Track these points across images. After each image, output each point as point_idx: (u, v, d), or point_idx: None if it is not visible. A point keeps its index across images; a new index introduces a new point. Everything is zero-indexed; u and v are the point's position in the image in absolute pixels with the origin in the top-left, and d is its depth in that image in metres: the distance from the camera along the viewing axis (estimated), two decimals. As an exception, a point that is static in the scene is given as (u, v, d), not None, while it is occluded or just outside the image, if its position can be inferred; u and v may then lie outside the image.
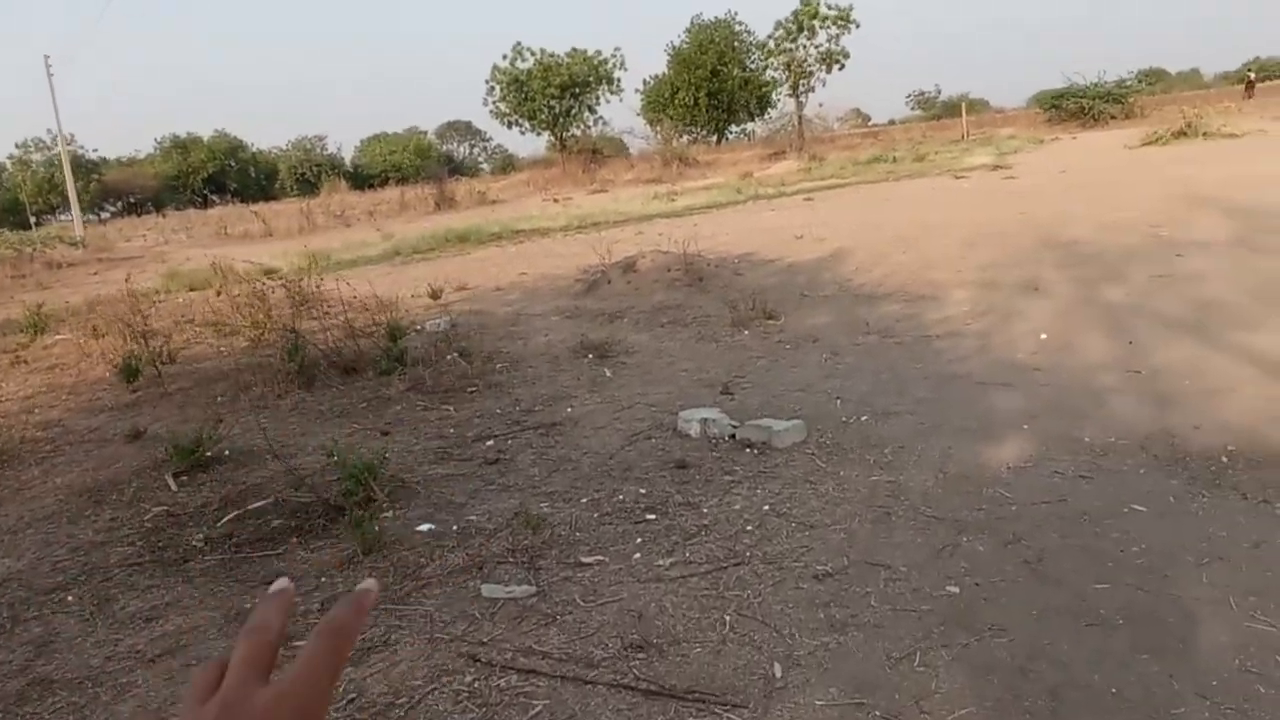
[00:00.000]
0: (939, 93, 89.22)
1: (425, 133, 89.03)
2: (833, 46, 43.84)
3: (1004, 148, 29.45)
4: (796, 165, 32.24)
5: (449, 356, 7.28)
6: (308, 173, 75.71)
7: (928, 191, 18.01)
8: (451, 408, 5.90)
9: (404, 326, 8.52)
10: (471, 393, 6.25)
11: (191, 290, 15.04)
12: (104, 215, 68.98)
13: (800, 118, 45.72)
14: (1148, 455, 3.87)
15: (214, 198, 73.01)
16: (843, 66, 44.10)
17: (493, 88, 47.24)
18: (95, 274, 21.30)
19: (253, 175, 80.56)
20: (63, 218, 64.14)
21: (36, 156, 67.04)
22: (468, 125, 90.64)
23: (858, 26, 43.64)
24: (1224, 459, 3.72)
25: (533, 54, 46.36)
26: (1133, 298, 6.93)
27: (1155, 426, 4.18)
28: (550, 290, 10.61)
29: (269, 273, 16.80)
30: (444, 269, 13.82)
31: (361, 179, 73.22)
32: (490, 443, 5.07)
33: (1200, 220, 10.11)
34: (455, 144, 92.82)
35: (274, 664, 0.50)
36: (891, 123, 76.06)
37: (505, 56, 46.90)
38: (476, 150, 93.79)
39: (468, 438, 5.22)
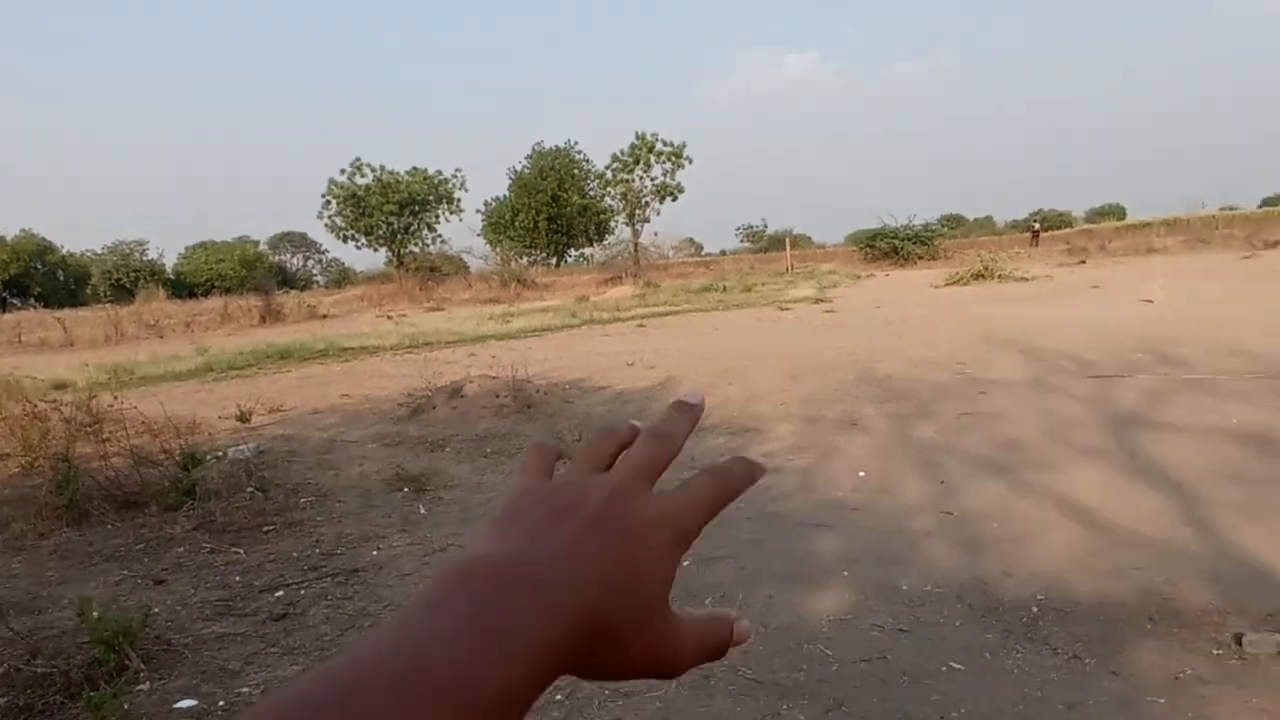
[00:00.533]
0: (766, 226, 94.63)
1: (257, 242, 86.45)
2: (667, 180, 45.85)
3: (825, 282, 31.18)
4: (632, 291, 32.98)
5: (248, 489, 6.69)
6: (124, 279, 71.65)
7: (755, 322, 18.66)
8: (242, 550, 5.34)
9: (201, 453, 7.83)
10: (268, 532, 5.71)
11: (-35, 405, 13.49)
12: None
13: (636, 245, 47.25)
14: (963, 605, 3.85)
15: (14, 301, 67.73)
16: (675, 198, 46.13)
17: (329, 201, 46.56)
18: None
19: (61, 279, 75.40)
20: None
21: None
22: (302, 237, 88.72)
23: (690, 163, 45.94)
24: (1035, 609, 3.74)
25: (372, 170, 46.18)
26: (943, 435, 7.18)
27: (968, 574, 4.20)
28: (372, 414, 10.11)
29: (59, 387, 15.44)
30: (260, 388, 13.04)
31: (184, 288, 69.86)
32: (280, 593, 4.57)
33: (1000, 360, 10.79)
34: (289, 255, 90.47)
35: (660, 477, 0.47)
36: (723, 253, 79.80)
37: (343, 171, 46.50)
38: (311, 263, 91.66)
39: (255, 587, 4.69)
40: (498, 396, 9.66)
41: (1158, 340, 11.44)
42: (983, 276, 26.05)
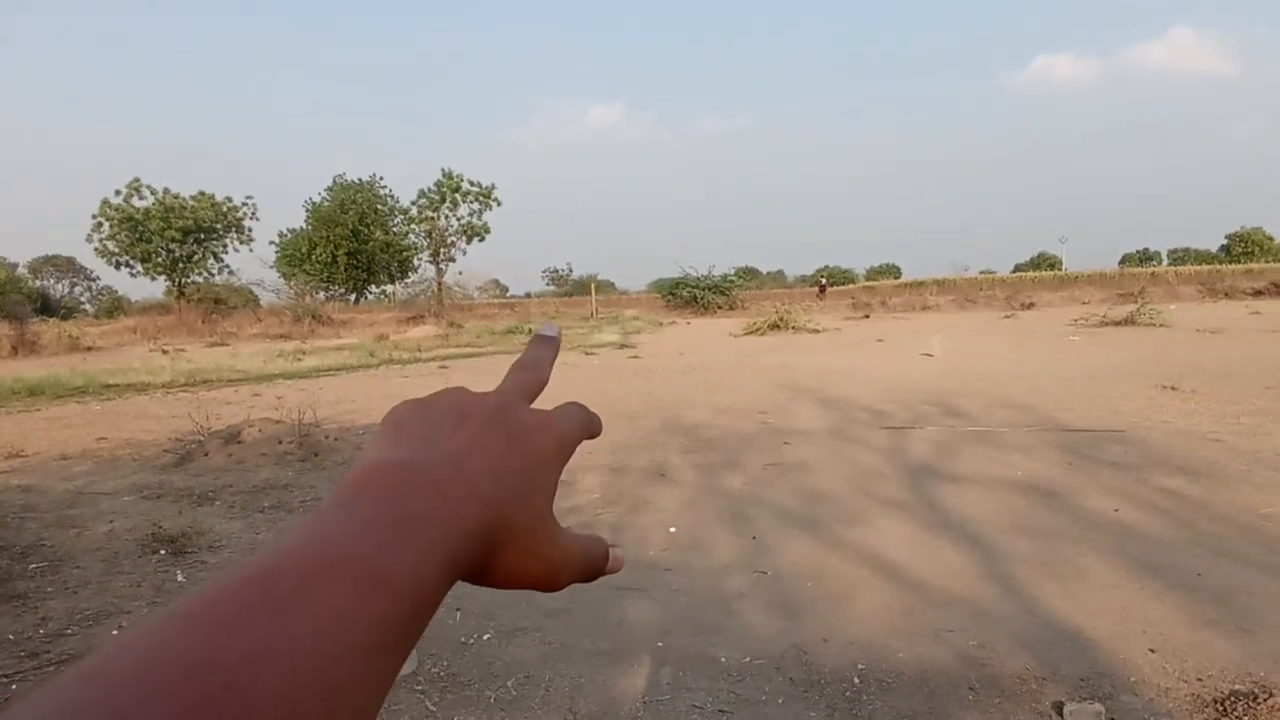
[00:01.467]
0: (571, 271, 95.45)
1: (15, 265, 78.18)
2: (474, 220, 45.17)
3: (629, 327, 31.50)
4: (435, 331, 32.04)
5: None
6: None
7: (560, 367, 18.38)
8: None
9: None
10: (-19, 608, 4.76)
11: None
12: None
13: (440, 284, 46.11)
14: (784, 678, 3.62)
15: None
16: (483, 239, 45.49)
17: (100, 224, 42.64)
18: None
19: None
20: None
21: None
22: (69, 261, 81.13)
23: (499, 204, 45.50)
24: (857, 680, 3.56)
25: (153, 192, 42.75)
26: (751, 487, 7.09)
27: (787, 641, 3.99)
28: (132, 462, 8.99)
29: None
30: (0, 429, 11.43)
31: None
32: (-14, 689, 3.75)
33: (799, 409, 11.00)
34: (52, 281, 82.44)
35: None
36: (528, 295, 79.65)
37: (119, 191, 42.77)
38: (79, 289, 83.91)
39: (-49, 681, 3.83)
40: (280, 442, 8.82)
41: (941, 393, 12.05)
42: (778, 327, 27.08)
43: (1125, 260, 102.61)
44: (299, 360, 21.12)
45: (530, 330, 30.89)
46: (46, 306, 69.95)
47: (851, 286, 70.33)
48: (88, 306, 78.63)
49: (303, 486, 7.58)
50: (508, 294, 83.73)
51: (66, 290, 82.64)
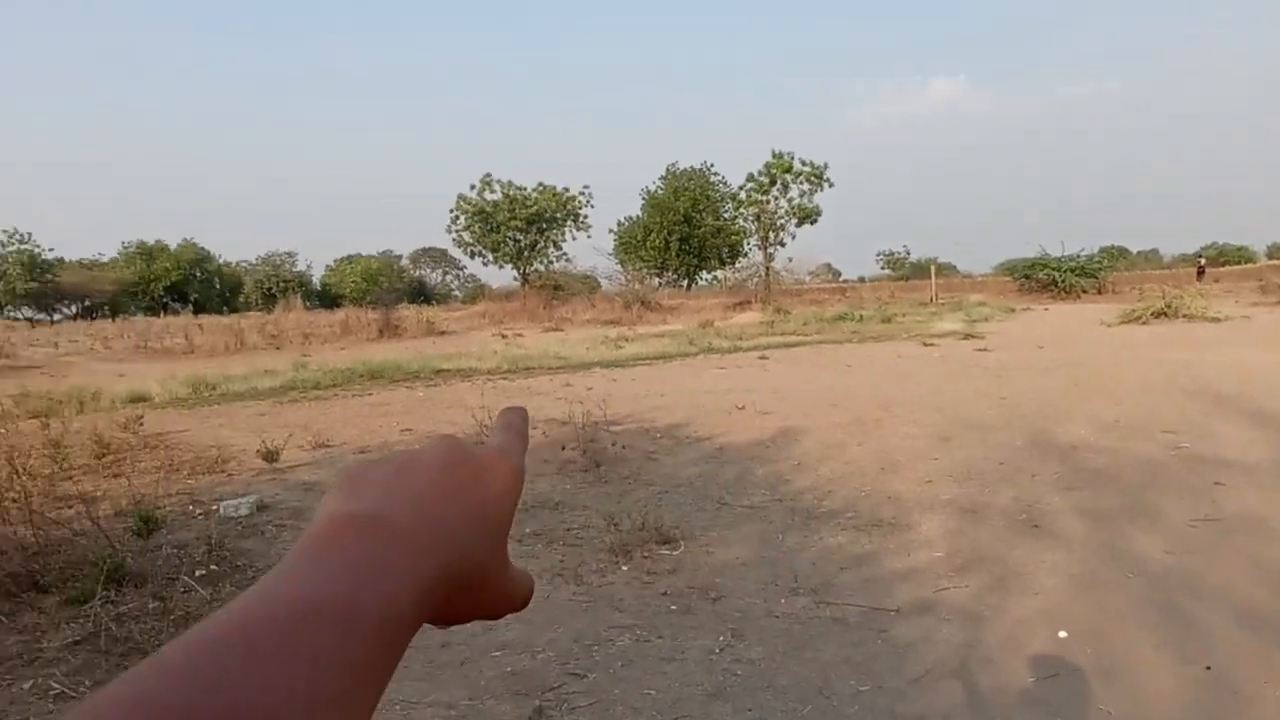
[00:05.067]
0: (908, 254, 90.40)
1: (400, 256, 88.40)
2: (805, 202, 43.35)
3: (974, 314, 28.17)
4: (760, 317, 30.81)
5: (194, 573, 5.00)
6: (274, 288, 74.16)
7: (893, 359, 16.20)
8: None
9: (167, 513, 6.26)
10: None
11: (32, 417, 12.54)
12: (56, 318, 66.57)
13: (768, 269, 44.85)
14: None
15: (175, 306, 70.96)
16: (814, 222, 43.54)
17: (457, 217, 46.24)
18: (-34, 385, 18.79)
19: (217, 287, 78.74)
20: (10, 315, 61.84)
21: (-15, 254, 64.92)
22: (443, 253, 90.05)
23: (831, 185, 43.30)
24: None
25: (501, 185, 45.59)
26: (1178, 557, 4.82)
27: None
28: (420, 460, 8.39)
29: (137, 399, 14.55)
30: (325, 415, 11.63)
31: (328, 299, 71.74)
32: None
33: (1224, 427, 8.17)
34: (429, 270, 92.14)
35: None
36: (861, 279, 76.18)
37: (473, 186, 46.10)
38: (450, 277, 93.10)
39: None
40: (564, 448, 7.77)
41: None
42: (1165, 314, 22.62)
43: None
44: (619, 348, 20.71)
45: (861, 318, 28.68)
46: (423, 293, 78.31)
47: (1249, 266, 59.55)
48: (457, 293, 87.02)
49: (576, 506, 6.40)
50: (840, 278, 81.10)
51: (440, 278, 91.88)
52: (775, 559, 5.05)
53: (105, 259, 75.06)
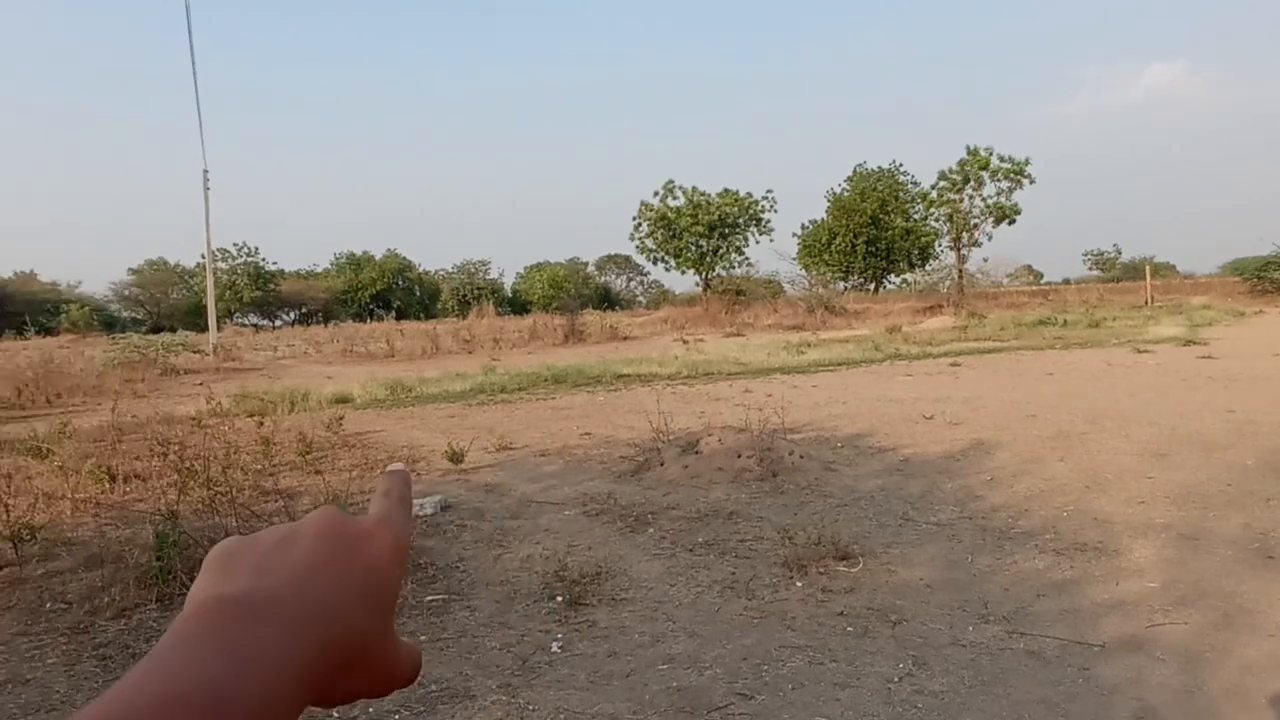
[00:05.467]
0: (1119, 253, 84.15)
1: (586, 263, 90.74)
2: (1003, 200, 41.08)
3: (1196, 319, 25.80)
4: (951, 322, 29.46)
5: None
6: (468, 295, 77.80)
7: (1102, 367, 15.01)
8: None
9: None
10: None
11: (249, 415, 13.60)
12: (276, 324, 72.56)
13: (961, 271, 42.82)
14: None
15: (380, 312, 75.68)
16: (1012, 221, 41.20)
17: (639, 223, 46.89)
18: (200, 384, 20.66)
19: (417, 295, 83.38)
20: (239, 321, 67.89)
21: (222, 265, 71.44)
22: (627, 259, 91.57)
23: (1032, 182, 40.81)
24: None
25: (684, 192, 45.87)
26: None
27: None
28: (597, 464, 8.46)
29: (341, 400, 15.51)
30: (510, 418, 11.98)
31: (519, 305, 74.63)
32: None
33: None
34: (613, 276, 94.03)
35: None
36: (1066, 281, 71.52)
37: (656, 193, 46.63)
38: (634, 283, 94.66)
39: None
40: (740, 456, 7.60)
41: None
42: None
43: None
44: (801, 354, 20.30)
45: (1065, 322, 26.88)
46: (608, 298, 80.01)
47: None
48: (641, 298, 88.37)
49: (750, 517, 6.22)
50: (1041, 280, 76.53)
51: (624, 284, 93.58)
52: (963, 582, 4.69)
53: (319, 269, 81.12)
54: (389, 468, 0.52)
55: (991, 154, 39.97)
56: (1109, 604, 4.30)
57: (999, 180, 40.76)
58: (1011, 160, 40.31)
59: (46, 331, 42.03)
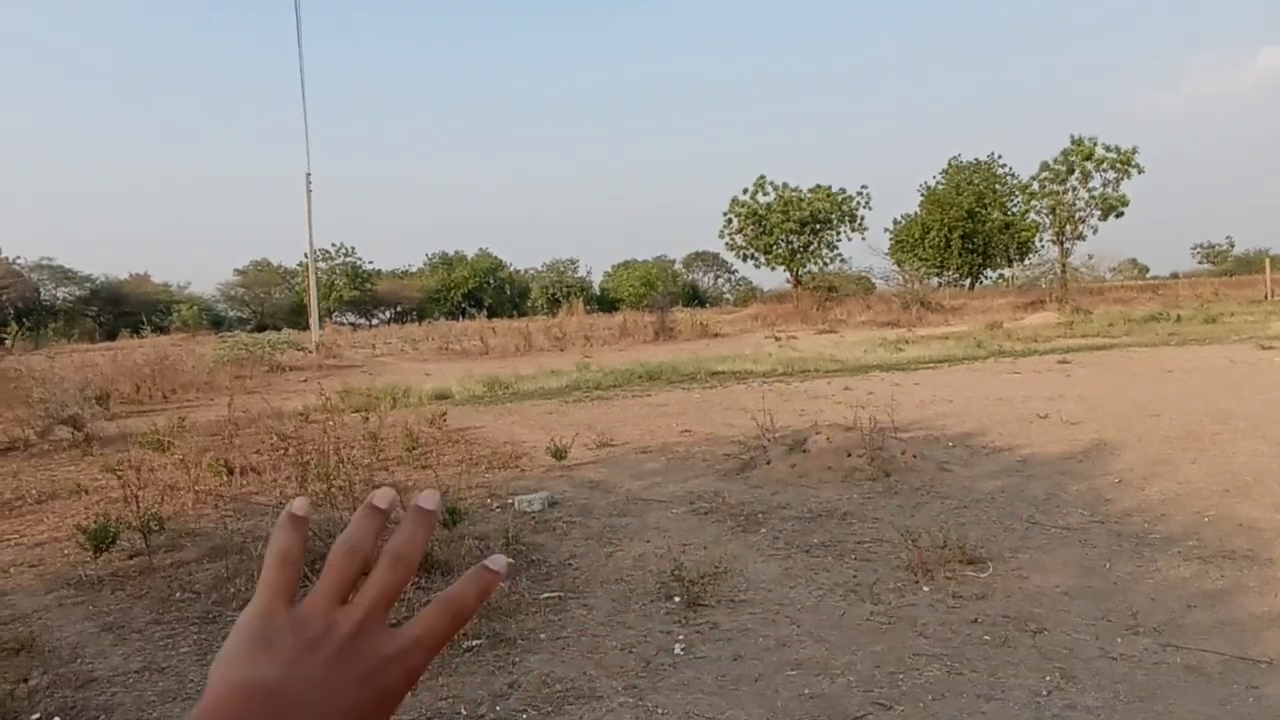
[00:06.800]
0: (1231, 245, 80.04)
1: (673, 261, 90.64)
2: (1109, 191, 39.43)
3: (1325, 313, 24.31)
4: (1055, 318, 28.43)
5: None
6: (557, 293, 78.53)
7: (1224, 364, 14.24)
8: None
9: (468, 507, 6.58)
10: (466, 650, 4.06)
11: (355, 411, 13.92)
12: (373, 322, 74.48)
13: (1064, 265, 41.29)
14: None
15: (471, 310, 76.98)
16: (1120, 214, 39.52)
17: (730, 220, 46.55)
18: (305, 380, 21.31)
19: (508, 293, 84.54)
20: (338, 320, 69.91)
21: (322, 265, 73.61)
22: (714, 256, 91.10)
23: (1140, 171, 39.06)
24: None
25: (775, 188, 45.35)
26: None
27: None
28: (700, 462, 8.37)
29: (441, 396, 15.77)
30: (607, 415, 11.97)
31: (607, 303, 75.00)
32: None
33: None
34: (701, 274, 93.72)
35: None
36: (1175, 276, 68.43)
37: (746, 190, 46.20)
38: (721, 281, 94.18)
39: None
40: (849, 455, 7.40)
41: None
42: None
43: None
44: (899, 350, 19.82)
45: (1179, 318, 25.64)
46: (696, 296, 79.80)
47: None
48: (728, 296, 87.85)
49: (865, 518, 6.04)
50: (1147, 275, 73.41)
51: (711, 282, 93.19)
52: (1104, 590, 4.43)
53: (413, 269, 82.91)
54: (420, 500, 0.52)
55: (1096, 143, 38.43)
56: (1269, 617, 4.01)
57: (1105, 170, 39.15)
58: (1118, 150, 38.68)
59: (160, 330, 43.99)
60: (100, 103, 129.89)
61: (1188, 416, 9.20)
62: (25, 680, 3.65)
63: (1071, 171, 39.61)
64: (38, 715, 3.48)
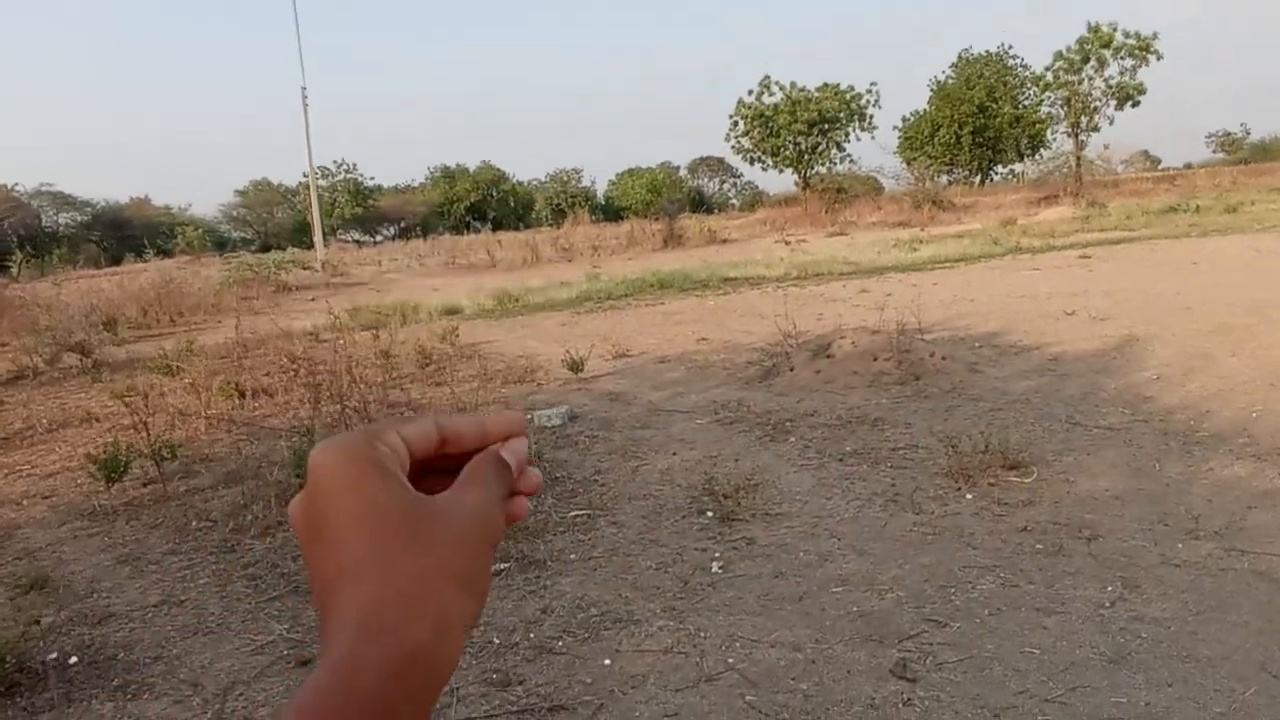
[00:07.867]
0: (1247, 133, 78.06)
1: (678, 168, 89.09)
2: (1126, 80, 38.18)
3: (1350, 200, 23.70)
4: (1071, 212, 27.83)
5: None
6: (562, 204, 77.46)
7: (1250, 254, 13.87)
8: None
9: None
10: (495, 574, 3.91)
11: (365, 329, 13.68)
12: (378, 239, 73.79)
13: (1079, 158, 40.30)
14: None
15: (476, 224, 76.08)
16: (1137, 103, 38.36)
17: (736, 123, 45.41)
18: (313, 300, 21.05)
19: (511, 205, 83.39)
20: (342, 237, 69.23)
21: (323, 183, 72.52)
22: (719, 161, 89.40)
23: (1160, 59, 37.76)
24: None
25: (781, 88, 44.07)
26: None
27: None
28: (720, 370, 8.16)
29: (451, 312, 15.53)
30: (621, 325, 11.73)
31: (612, 212, 74.00)
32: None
33: None
34: (706, 179, 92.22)
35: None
36: (1188, 166, 66.94)
37: (751, 91, 44.93)
38: (727, 186, 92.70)
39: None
40: (876, 359, 7.17)
41: None
42: None
43: None
44: (914, 250, 19.41)
45: (1198, 208, 25.04)
46: (702, 202, 78.64)
47: None
48: (734, 201, 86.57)
49: (897, 424, 5.84)
50: (1159, 166, 71.87)
51: (717, 188, 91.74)
52: (1157, 493, 4.25)
53: (415, 184, 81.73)
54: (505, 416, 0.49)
55: (1115, 30, 37.09)
56: (1332, 522, 3.81)
57: (1123, 58, 37.85)
58: (1138, 36, 37.33)
59: (164, 254, 43.48)
60: (91, 20, 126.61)
61: (1219, 309, 8.91)
62: (38, 622, 3.51)
63: (1088, 60, 38.31)
64: (55, 654, 3.36)
